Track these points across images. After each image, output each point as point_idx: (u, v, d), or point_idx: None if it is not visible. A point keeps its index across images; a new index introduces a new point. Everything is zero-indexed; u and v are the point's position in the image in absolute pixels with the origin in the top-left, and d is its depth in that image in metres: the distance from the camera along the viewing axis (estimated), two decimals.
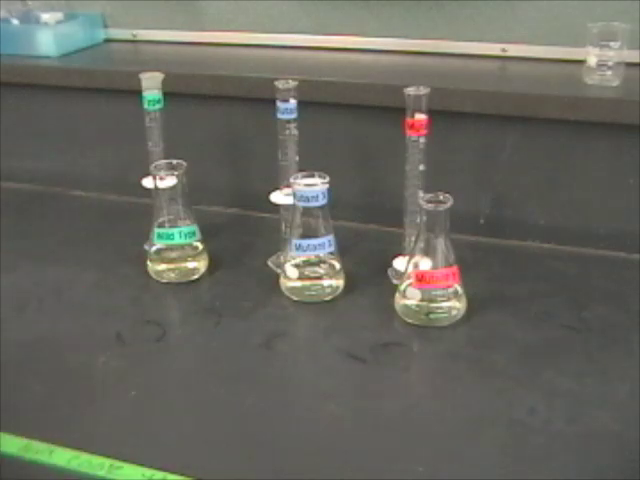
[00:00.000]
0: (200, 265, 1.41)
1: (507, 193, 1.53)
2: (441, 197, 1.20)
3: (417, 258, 1.24)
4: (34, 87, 1.78)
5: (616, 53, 1.44)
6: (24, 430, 1.04)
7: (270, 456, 1.01)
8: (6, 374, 1.15)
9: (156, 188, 1.36)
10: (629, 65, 1.46)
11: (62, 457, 1.00)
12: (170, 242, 1.37)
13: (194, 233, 1.38)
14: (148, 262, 1.41)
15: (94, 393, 1.13)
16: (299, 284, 1.33)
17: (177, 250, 1.39)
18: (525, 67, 1.60)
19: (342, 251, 1.34)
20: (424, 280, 1.23)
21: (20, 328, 1.28)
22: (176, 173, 1.33)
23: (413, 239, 1.28)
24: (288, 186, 1.33)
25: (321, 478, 0.97)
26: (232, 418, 1.08)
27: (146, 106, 1.44)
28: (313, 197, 1.26)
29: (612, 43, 1.44)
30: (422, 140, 1.28)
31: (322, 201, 1.27)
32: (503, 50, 1.63)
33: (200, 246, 1.41)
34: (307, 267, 1.34)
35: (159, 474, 0.96)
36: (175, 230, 1.36)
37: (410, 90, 1.27)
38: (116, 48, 1.92)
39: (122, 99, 1.66)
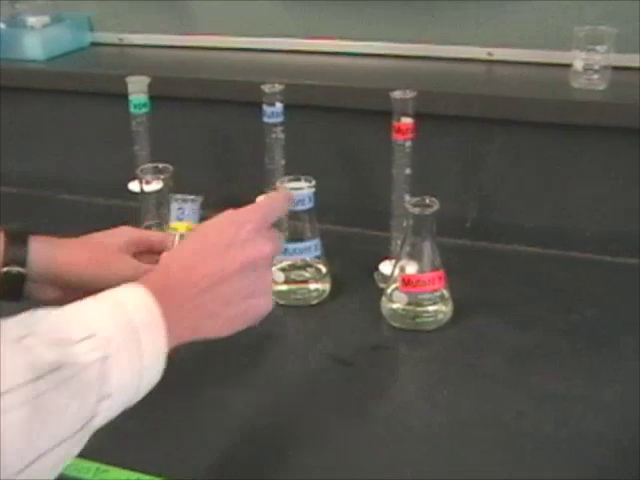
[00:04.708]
0: None
1: (493, 197, 1.53)
2: (427, 201, 1.20)
3: (403, 262, 1.24)
4: (21, 90, 1.78)
5: (603, 57, 1.44)
6: None
7: (256, 458, 1.01)
8: None
9: (142, 192, 1.36)
10: (615, 69, 1.46)
11: None
12: None
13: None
14: None
15: None
16: (285, 288, 1.33)
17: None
18: (511, 71, 1.60)
19: (328, 255, 1.34)
20: (410, 284, 1.23)
21: None
22: (162, 177, 1.32)
23: (399, 243, 1.28)
24: (274, 189, 1.33)
25: (308, 478, 0.97)
26: (219, 420, 1.08)
27: (132, 110, 1.44)
28: (299, 201, 1.26)
29: (599, 47, 1.44)
30: (408, 144, 1.28)
31: (308, 205, 1.27)
32: (489, 54, 1.63)
33: None
34: (293, 271, 1.34)
35: (145, 477, 0.96)
36: None
37: (396, 94, 1.27)
38: (103, 52, 1.92)
39: (108, 102, 1.66)
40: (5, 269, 0.96)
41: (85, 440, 0.70)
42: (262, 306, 0.91)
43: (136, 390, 0.76)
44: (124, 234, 1.10)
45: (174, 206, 1.16)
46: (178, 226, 1.14)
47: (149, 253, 1.09)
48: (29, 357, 0.65)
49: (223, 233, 0.90)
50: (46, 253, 1.00)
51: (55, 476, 0.67)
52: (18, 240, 0.99)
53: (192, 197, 1.16)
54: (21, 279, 0.97)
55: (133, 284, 0.81)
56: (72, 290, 0.96)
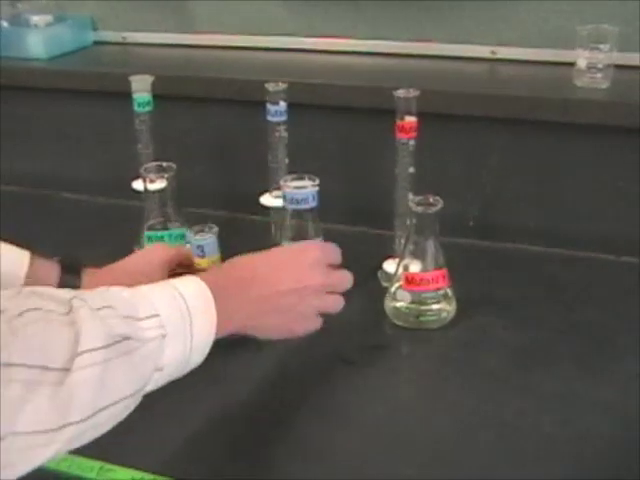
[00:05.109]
0: None
1: (497, 196, 1.53)
2: (431, 199, 1.20)
3: (407, 260, 1.24)
4: (23, 89, 1.78)
5: (606, 55, 1.44)
6: None
7: (257, 458, 1.01)
8: None
9: (146, 190, 1.36)
10: (619, 67, 1.46)
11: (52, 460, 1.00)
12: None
13: (184, 235, 1.38)
14: None
15: None
16: None
17: None
18: (515, 69, 1.60)
19: None
20: (414, 282, 1.23)
21: None
22: (166, 175, 1.32)
23: (403, 241, 1.28)
24: (278, 188, 1.34)
25: (308, 478, 0.97)
26: (221, 420, 1.08)
27: (136, 108, 1.44)
28: (303, 199, 1.26)
29: (602, 45, 1.44)
30: (412, 142, 1.28)
31: (312, 203, 1.26)
32: (493, 52, 1.63)
33: None
34: None
35: (149, 476, 0.96)
36: (165, 233, 1.36)
37: (400, 92, 1.27)
38: (106, 50, 1.92)
39: (112, 101, 1.66)
40: None
41: (137, 403, 0.83)
42: (311, 325, 1.05)
43: (183, 367, 0.88)
44: (155, 255, 1.21)
45: (193, 244, 1.20)
46: (201, 262, 1.17)
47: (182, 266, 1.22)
48: (105, 326, 0.76)
49: (295, 254, 1.06)
50: (96, 275, 1.14)
51: (110, 428, 0.80)
52: (72, 270, 1.13)
53: (208, 235, 1.23)
54: None
55: (194, 277, 0.93)
56: None
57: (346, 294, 1.34)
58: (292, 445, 1.03)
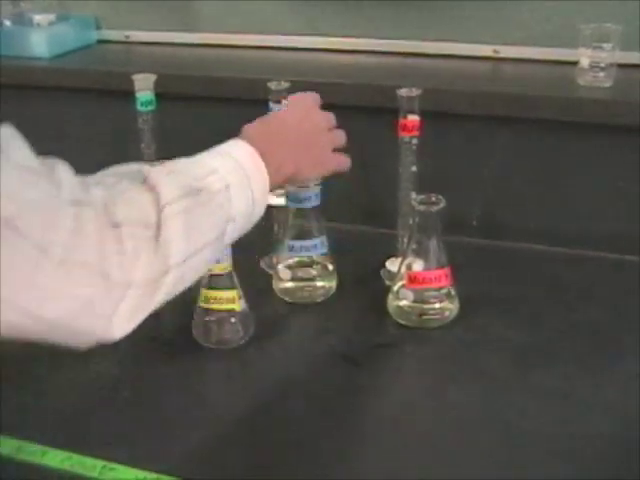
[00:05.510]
0: None
1: (499, 194, 1.53)
2: (433, 198, 1.20)
3: (410, 259, 1.24)
4: (26, 88, 1.78)
5: (608, 54, 1.44)
6: (17, 431, 1.04)
7: (260, 458, 1.01)
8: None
9: None
10: (621, 66, 1.46)
11: (55, 458, 1.00)
12: None
13: None
14: None
15: (86, 395, 1.13)
16: (292, 285, 1.33)
17: None
18: (517, 68, 1.60)
19: (335, 252, 1.34)
20: (417, 281, 1.23)
21: None
22: None
23: (406, 240, 1.28)
24: (281, 187, 1.33)
25: (311, 478, 0.97)
26: (223, 419, 1.08)
27: (139, 107, 1.44)
28: (306, 198, 1.26)
29: (604, 44, 1.44)
30: (414, 141, 1.28)
31: (315, 202, 1.27)
32: (495, 51, 1.63)
33: None
34: (300, 268, 1.34)
35: (152, 475, 0.96)
36: None
37: (403, 91, 1.27)
38: (109, 49, 1.92)
39: (114, 100, 1.65)
40: None
41: (221, 249, 1.00)
42: (335, 159, 1.18)
43: (249, 219, 1.00)
44: None
45: None
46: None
47: None
48: (178, 182, 0.88)
49: (303, 100, 1.19)
50: None
51: (203, 273, 0.99)
52: None
53: None
54: None
55: (237, 139, 1.05)
56: None
57: (349, 293, 1.35)
58: (294, 444, 1.03)
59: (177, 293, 0.88)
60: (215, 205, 0.92)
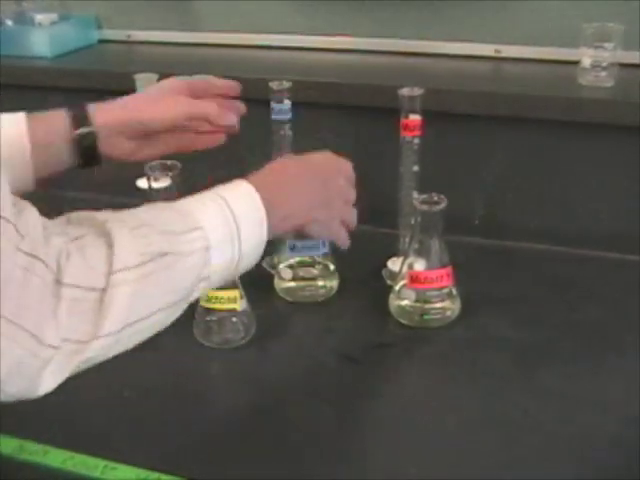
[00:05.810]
0: None
1: (501, 194, 1.53)
2: (435, 198, 1.20)
3: (411, 259, 1.24)
4: (28, 88, 1.77)
5: (610, 54, 1.44)
6: (18, 431, 1.04)
7: (262, 458, 1.01)
8: None
9: (150, 189, 1.36)
10: (623, 66, 1.46)
11: (57, 458, 1.00)
12: None
13: None
14: None
15: (88, 394, 1.13)
16: (293, 285, 1.33)
17: None
18: (519, 68, 1.60)
19: (336, 252, 1.33)
20: (418, 281, 1.23)
21: None
22: (170, 174, 1.32)
23: (407, 240, 1.28)
24: None
25: (312, 478, 0.98)
26: (224, 419, 1.08)
27: None
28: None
29: (606, 44, 1.44)
30: (416, 141, 1.29)
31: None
32: (497, 51, 1.63)
33: None
34: (301, 268, 1.34)
35: (153, 475, 0.96)
36: None
37: (404, 91, 1.27)
38: (110, 49, 1.92)
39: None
40: (77, 132, 1.10)
41: (180, 312, 0.88)
42: (344, 238, 1.13)
43: (232, 273, 0.92)
44: (166, 84, 1.23)
45: None
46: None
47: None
48: (140, 245, 0.80)
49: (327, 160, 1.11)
50: (104, 107, 1.15)
51: (152, 334, 0.86)
52: (76, 108, 1.13)
53: None
54: (93, 138, 1.11)
55: (241, 180, 0.97)
56: (140, 139, 1.17)
57: (351, 293, 1.35)
58: (296, 444, 1.03)
59: (112, 356, 0.82)
60: (183, 268, 0.84)
